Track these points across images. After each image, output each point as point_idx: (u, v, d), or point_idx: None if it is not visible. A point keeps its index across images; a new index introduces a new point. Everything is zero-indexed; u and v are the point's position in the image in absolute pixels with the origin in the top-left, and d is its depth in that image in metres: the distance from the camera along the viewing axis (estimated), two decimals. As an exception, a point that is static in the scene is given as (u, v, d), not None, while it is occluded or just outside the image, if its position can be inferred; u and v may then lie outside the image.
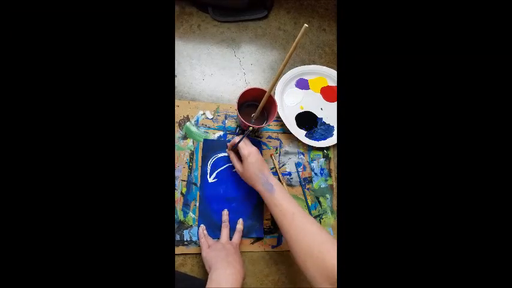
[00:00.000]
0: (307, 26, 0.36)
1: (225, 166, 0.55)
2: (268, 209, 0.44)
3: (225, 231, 0.49)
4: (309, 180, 0.58)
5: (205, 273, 0.49)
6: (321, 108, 0.62)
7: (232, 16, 0.66)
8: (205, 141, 0.56)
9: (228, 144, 0.51)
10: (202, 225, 0.51)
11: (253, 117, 0.53)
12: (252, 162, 0.46)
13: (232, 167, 0.54)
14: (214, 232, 0.51)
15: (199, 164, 0.55)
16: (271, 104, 0.51)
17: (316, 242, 0.38)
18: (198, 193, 0.53)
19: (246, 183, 0.49)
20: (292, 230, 0.40)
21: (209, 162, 0.55)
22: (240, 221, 0.52)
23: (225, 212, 0.52)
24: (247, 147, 0.47)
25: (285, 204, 0.42)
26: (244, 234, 0.52)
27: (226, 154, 0.56)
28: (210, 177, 0.54)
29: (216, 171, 0.55)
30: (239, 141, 0.47)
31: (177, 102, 0.57)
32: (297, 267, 0.40)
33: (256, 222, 0.53)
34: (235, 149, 0.50)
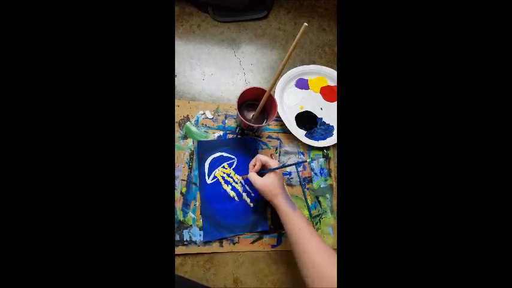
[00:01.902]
0: (306, 25, 0.36)
1: (221, 165, 0.55)
2: (284, 224, 0.45)
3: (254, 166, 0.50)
4: (309, 180, 0.58)
5: (205, 275, 0.49)
6: (321, 108, 0.62)
7: (232, 16, 0.66)
8: (200, 142, 0.56)
9: (256, 166, 0.49)
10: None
11: (253, 117, 0.53)
12: (278, 177, 0.47)
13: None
14: (219, 231, 0.51)
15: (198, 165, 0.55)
16: (271, 103, 0.51)
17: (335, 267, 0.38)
18: (198, 193, 0.53)
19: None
20: (308, 250, 0.41)
21: (206, 163, 0.55)
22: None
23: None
24: (275, 161, 0.48)
25: (304, 224, 0.43)
26: (250, 229, 0.52)
27: (221, 154, 0.56)
28: (208, 178, 0.54)
29: (214, 172, 0.55)
30: (275, 169, 0.47)
31: (177, 102, 0.57)
32: (297, 267, 0.41)
33: (260, 216, 0.53)
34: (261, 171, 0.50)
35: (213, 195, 0.53)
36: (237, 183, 0.55)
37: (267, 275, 0.51)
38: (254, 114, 0.53)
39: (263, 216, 0.54)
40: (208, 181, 0.54)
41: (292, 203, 0.45)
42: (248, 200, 0.54)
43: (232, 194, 0.54)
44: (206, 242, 0.50)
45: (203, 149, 0.55)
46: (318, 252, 0.40)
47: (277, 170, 0.47)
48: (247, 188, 0.55)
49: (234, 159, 0.56)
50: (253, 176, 0.48)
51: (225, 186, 0.54)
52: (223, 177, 0.55)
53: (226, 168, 0.55)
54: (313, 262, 0.39)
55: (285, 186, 0.56)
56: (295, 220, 0.43)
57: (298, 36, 0.38)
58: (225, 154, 0.56)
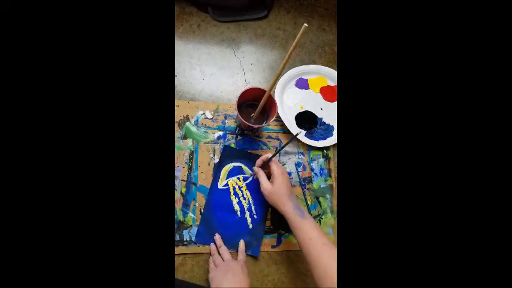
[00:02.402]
0: (306, 25, 0.36)
1: (237, 176, 0.55)
2: (294, 233, 0.43)
3: (223, 249, 0.49)
4: (309, 180, 0.58)
5: (205, 275, 0.49)
6: (321, 108, 0.62)
7: (232, 16, 0.66)
8: (225, 147, 0.56)
9: (258, 160, 0.50)
10: (212, 244, 0.50)
11: (252, 117, 0.53)
12: (285, 182, 0.46)
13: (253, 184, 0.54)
14: (212, 238, 0.51)
15: (210, 166, 0.55)
16: (271, 103, 0.51)
17: None
18: (197, 193, 0.53)
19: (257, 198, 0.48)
20: (321, 262, 0.40)
21: (223, 169, 0.55)
22: (242, 242, 0.51)
23: (218, 237, 0.51)
24: (280, 166, 0.47)
25: (315, 233, 0.41)
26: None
27: (241, 165, 0.56)
28: (220, 183, 0.54)
29: (228, 179, 0.55)
30: (272, 157, 0.46)
31: (176, 102, 0.57)
32: (297, 267, 0.41)
33: (255, 241, 0.52)
34: (263, 166, 0.50)
35: (218, 201, 0.53)
36: (244, 198, 0.54)
37: (267, 275, 0.51)
38: (254, 115, 0.53)
39: (257, 241, 0.52)
40: (220, 186, 0.54)
41: (300, 210, 0.44)
42: (249, 220, 0.53)
43: (236, 207, 0.54)
44: (206, 242, 0.50)
45: (227, 154, 0.55)
46: (332, 264, 0.39)
47: (283, 176, 0.46)
48: (253, 208, 0.54)
49: (250, 176, 0.56)
50: (262, 177, 0.48)
51: (232, 197, 0.54)
52: (234, 188, 0.54)
53: (240, 180, 0.55)
54: (325, 273, 0.38)
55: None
56: (305, 229, 0.42)
57: (298, 37, 0.38)
58: (244, 167, 0.56)
